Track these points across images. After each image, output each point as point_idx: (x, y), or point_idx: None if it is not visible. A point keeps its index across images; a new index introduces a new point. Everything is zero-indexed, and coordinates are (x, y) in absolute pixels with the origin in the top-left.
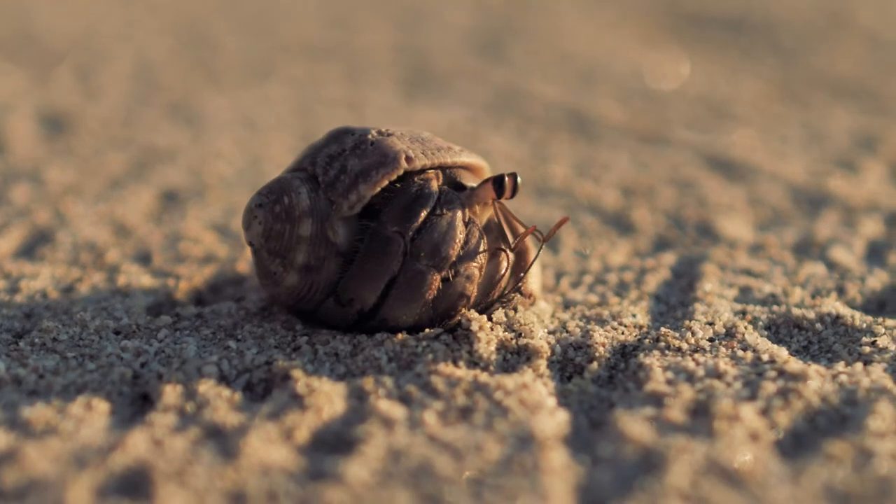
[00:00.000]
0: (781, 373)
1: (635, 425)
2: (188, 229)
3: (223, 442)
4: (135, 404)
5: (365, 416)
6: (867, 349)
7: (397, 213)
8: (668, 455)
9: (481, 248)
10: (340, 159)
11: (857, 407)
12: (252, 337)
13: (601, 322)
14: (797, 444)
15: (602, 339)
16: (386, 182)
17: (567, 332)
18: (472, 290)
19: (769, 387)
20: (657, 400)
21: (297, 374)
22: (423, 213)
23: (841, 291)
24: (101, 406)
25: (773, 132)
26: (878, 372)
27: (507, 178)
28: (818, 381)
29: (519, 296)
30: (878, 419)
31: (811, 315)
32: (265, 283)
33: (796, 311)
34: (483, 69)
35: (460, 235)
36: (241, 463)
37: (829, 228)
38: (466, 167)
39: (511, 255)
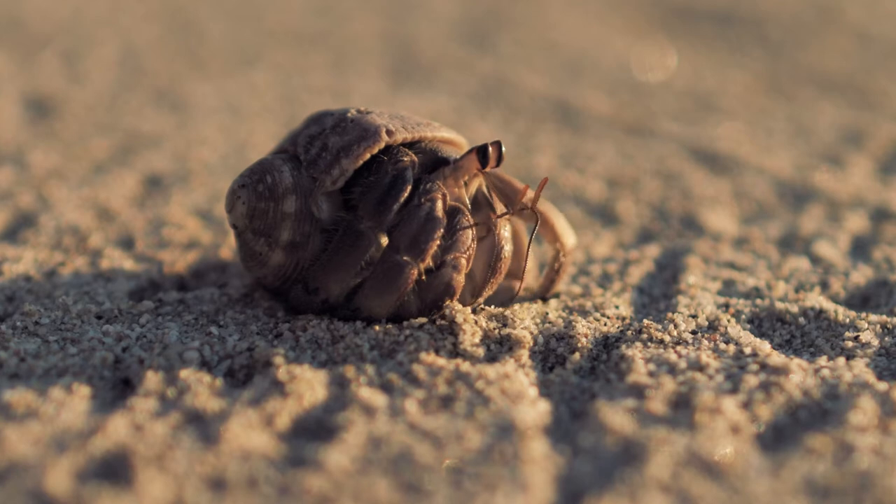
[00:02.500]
0: (763, 366)
1: (616, 416)
2: (172, 215)
3: (204, 427)
4: (116, 389)
5: (346, 403)
6: (850, 344)
7: (371, 205)
8: (649, 447)
9: (469, 238)
10: (321, 138)
11: (838, 401)
12: (234, 323)
13: (584, 313)
14: (778, 438)
15: (585, 329)
16: (368, 155)
17: (550, 322)
18: (460, 280)
19: (751, 380)
20: (639, 391)
21: (279, 360)
22: (396, 207)
23: (825, 286)
24: (83, 390)
25: (759, 126)
26: (860, 367)
27: (490, 147)
28: (800, 375)
29: (519, 282)
30: (860, 414)
31: (794, 309)
32: (250, 265)
33: (779, 305)
34: (469, 59)
35: (441, 226)
36: (221, 448)
37: (814, 223)
38: (446, 141)
39: (505, 232)
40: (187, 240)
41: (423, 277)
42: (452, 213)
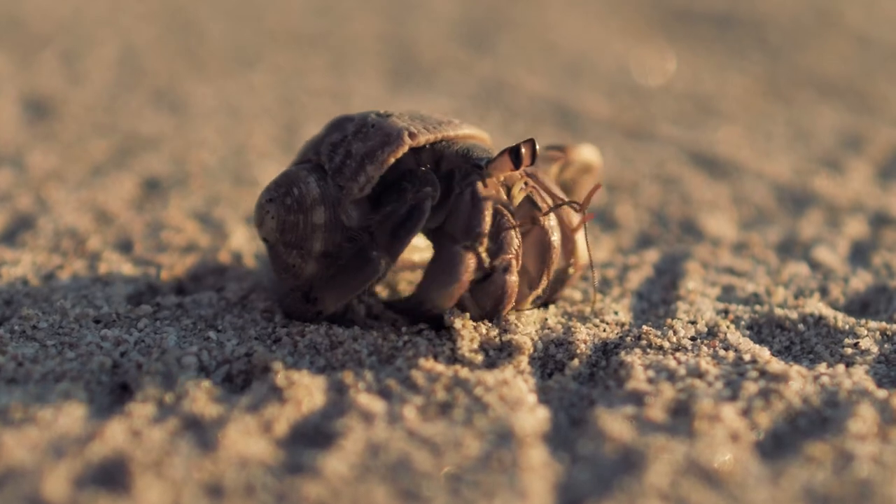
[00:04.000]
0: (763, 373)
1: (615, 424)
2: (170, 218)
3: (201, 433)
4: (114, 394)
5: (344, 409)
6: (849, 351)
7: (386, 234)
8: (648, 454)
9: (514, 237)
10: (344, 145)
11: (838, 409)
12: (232, 328)
13: (583, 319)
14: (777, 446)
15: (584, 336)
16: (392, 160)
17: (549, 328)
18: (513, 280)
19: (750, 387)
20: (638, 398)
21: (277, 366)
22: (409, 240)
23: (824, 292)
24: (80, 395)
25: (758, 130)
26: (859, 374)
27: (523, 148)
28: (800, 382)
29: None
30: (859, 421)
31: (794, 315)
32: (284, 277)
33: (779, 311)
34: (469, 60)
35: (487, 204)
36: (219, 455)
37: (814, 228)
38: (469, 137)
39: (553, 226)
40: (185, 243)
41: (486, 259)
42: (494, 214)
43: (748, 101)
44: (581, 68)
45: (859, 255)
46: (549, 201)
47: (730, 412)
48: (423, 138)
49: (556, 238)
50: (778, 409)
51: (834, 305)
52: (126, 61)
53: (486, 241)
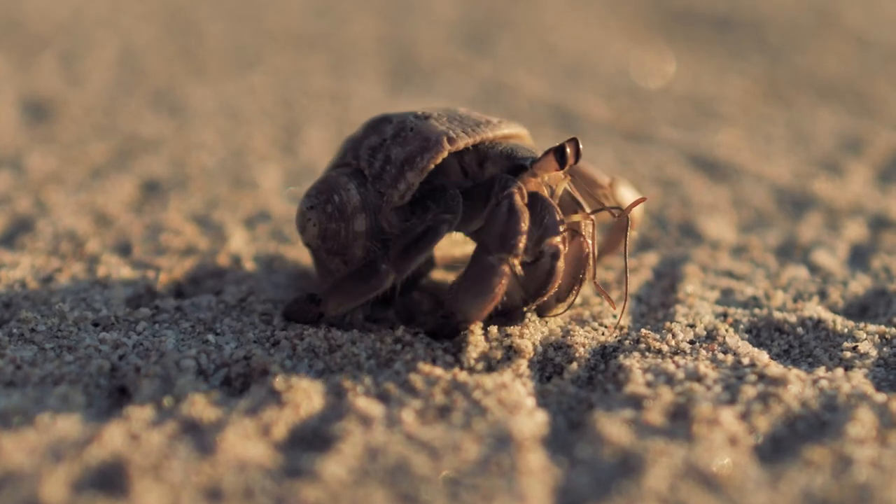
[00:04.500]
0: (762, 377)
1: (614, 427)
2: (169, 220)
3: (200, 437)
4: (112, 397)
5: (343, 413)
6: (848, 354)
7: (397, 250)
8: (647, 458)
9: (558, 219)
10: (383, 149)
11: (836, 413)
12: (231, 331)
13: (582, 322)
14: (776, 449)
15: (582, 339)
16: (432, 166)
17: (547, 331)
18: (561, 265)
19: (749, 391)
20: (636, 402)
21: (276, 369)
22: (419, 259)
23: (823, 295)
24: (78, 398)
25: (758, 132)
26: (858, 378)
27: (567, 148)
28: (798, 386)
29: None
30: (858, 425)
31: (793, 319)
32: (328, 279)
33: (778, 315)
34: (468, 62)
35: (524, 216)
36: (217, 458)
37: (813, 231)
38: (509, 137)
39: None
40: (184, 246)
41: (520, 271)
42: (534, 200)
43: (748, 104)
44: (581, 70)
45: (858, 258)
46: (588, 207)
47: (728, 416)
48: (462, 143)
49: (590, 245)
50: (777, 412)
51: (833, 309)
52: (125, 63)
53: (521, 254)
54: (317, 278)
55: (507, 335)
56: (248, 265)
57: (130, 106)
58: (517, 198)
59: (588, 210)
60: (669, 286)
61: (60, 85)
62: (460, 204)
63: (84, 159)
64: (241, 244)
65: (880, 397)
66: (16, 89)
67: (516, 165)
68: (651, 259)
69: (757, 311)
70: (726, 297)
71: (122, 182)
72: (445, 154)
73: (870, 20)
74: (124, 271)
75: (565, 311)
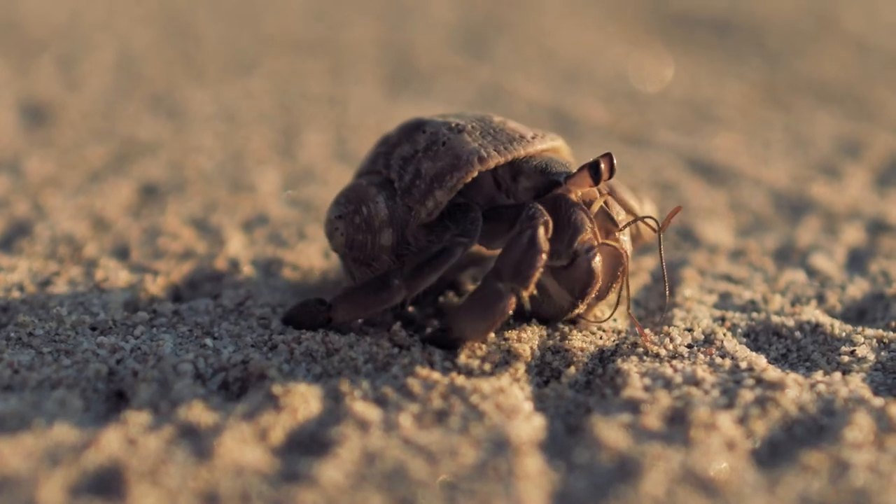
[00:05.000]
0: (759, 381)
1: (611, 432)
2: (167, 224)
3: (197, 441)
4: (109, 401)
5: (340, 417)
6: (846, 358)
7: (411, 267)
8: (644, 462)
9: (586, 217)
10: (414, 162)
11: (834, 417)
12: (229, 335)
13: (580, 326)
14: (773, 454)
15: (580, 343)
16: (461, 186)
17: (545, 335)
18: (598, 261)
19: (747, 395)
20: (634, 406)
21: (273, 373)
22: (431, 278)
23: (821, 299)
24: (76, 403)
25: (756, 136)
26: (856, 382)
27: (602, 164)
28: (796, 390)
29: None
30: (856, 430)
31: (790, 323)
32: (353, 282)
33: (776, 319)
34: (467, 66)
35: (543, 252)
36: (214, 463)
37: (811, 235)
38: (545, 152)
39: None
40: (182, 250)
41: (527, 301)
42: (558, 203)
43: (746, 108)
44: (579, 74)
45: (856, 262)
46: (624, 217)
47: (726, 420)
48: (493, 162)
49: (628, 251)
50: (774, 417)
51: (831, 313)
52: (123, 66)
53: (531, 287)
54: (344, 280)
55: (506, 339)
56: (246, 269)
57: (128, 110)
58: (541, 231)
59: (620, 223)
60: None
61: (58, 89)
62: (479, 229)
63: (82, 163)
64: (238, 248)
65: (878, 401)
66: (14, 93)
67: (550, 181)
68: (649, 263)
69: (755, 314)
70: (724, 300)
71: (120, 186)
72: (475, 173)
73: (868, 25)
74: (122, 275)
75: (611, 315)
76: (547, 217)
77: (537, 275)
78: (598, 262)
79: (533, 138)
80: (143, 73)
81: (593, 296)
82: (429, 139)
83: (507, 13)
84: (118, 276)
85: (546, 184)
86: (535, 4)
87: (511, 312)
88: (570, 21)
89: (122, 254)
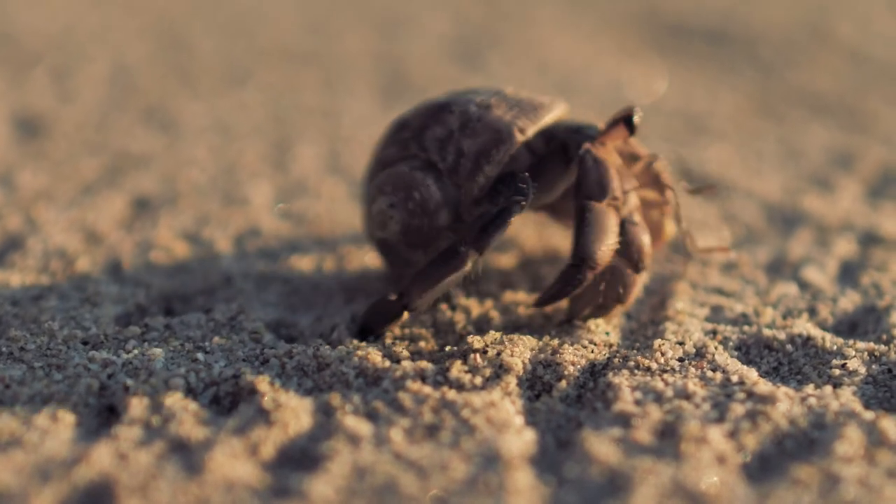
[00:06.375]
0: (750, 395)
1: (602, 446)
2: (159, 237)
3: (188, 456)
4: (101, 416)
5: (331, 432)
6: (837, 372)
7: (476, 232)
8: (635, 477)
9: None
10: (453, 142)
11: (825, 431)
12: (220, 349)
13: (571, 339)
14: (764, 468)
15: (572, 357)
16: (507, 158)
17: (537, 348)
18: (642, 225)
19: (737, 409)
20: (625, 420)
21: (264, 388)
22: (497, 237)
23: (812, 312)
24: (67, 418)
25: (749, 147)
26: (847, 395)
27: (635, 115)
28: (787, 404)
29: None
30: (846, 444)
31: (782, 336)
32: (404, 269)
33: (767, 332)
34: (461, 78)
35: (614, 172)
36: (205, 478)
37: (803, 247)
38: (564, 114)
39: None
40: (175, 263)
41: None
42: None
43: (739, 119)
44: (572, 85)
45: (848, 274)
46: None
47: (717, 434)
48: (531, 131)
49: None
50: (765, 430)
51: (822, 326)
52: (117, 79)
53: (621, 197)
54: (388, 272)
55: (498, 353)
56: (238, 283)
57: (122, 122)
58: (595, 152)
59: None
60: (659, 303)
61: (52, 101)
62: (531, 186)
63: (75, 176)
64: (231, 262)
65: (869, 415)
66: (7, 105)
67: (585, 137)
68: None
69: (746, 328)
70: (716, 314)
71: (113, 199)
72: (519, 145)
73: (862, 36)
74: (114, 289)
75: (639, 289)
76: (588, 144)
77: (618, 184)
78: (642, 227)
79: (551, 103)
80: (137, 86)
81: (649, 260)
82: (461, 118)
83: (500, 25)
84: (110, 290)
85: (580, 142)
86: (528, 16)
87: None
88: (563, 32)
89: (114, 268)
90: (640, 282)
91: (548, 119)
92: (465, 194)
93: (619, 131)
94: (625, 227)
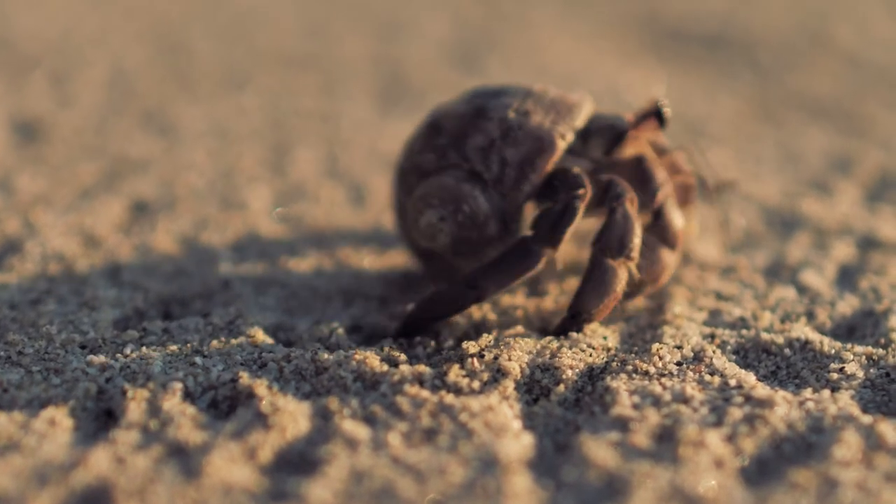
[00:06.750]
0: (748, 398)
1: (600, 450)
2: (157, 241)
3: (186, 460)
4: (99, 420)
5: (329, 436)
6: (835, 376)
7: (545, 229)
8: (632, 481)
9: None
10: (496, 151)
11: (823, 435)
12: (218, 353)
13: (570, 343)
14: (762, 472)
15: (570, 361)
16: (550, 167)
17: (535, 352)
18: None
19: (735, 413)
20: (623, 424)
21: (262, 392)
22: (568, 232)
23: (811, 316)
24: (65, 422)
25: (747, 152)
26: (845, 399)
27: (664, 109)
28: (785, 408)
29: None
30: (844, 448)
31: (780, 340)
32: (448, 276)
33: (765, 336)
34: (459, 82)
35: (637, 224)
36: (202, 482)
37: (801, 251)
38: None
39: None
40: (173, 267)
41: (635, 274)
42: (639, 162)
43: (738, 123)
44: (571, 89)
45: (846, 278)
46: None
47: (714, 438)
48: (570, 136)
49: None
50: (763, 435)
51: (820, 329)
52: (115, 83)
53: (636, 256)
54: (427, 276)
55: (495, 357)
56: (236, 287)
57: (120, 126)
58: (629, 206)
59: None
60: (657, 307)
61: (50, 105)
62: (584, 181)
63: (73, 180)
64: (229, 266)
65: (867, 419)
66: (6, 110)
67: (618, 133)
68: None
69: (744, 332)
70: (714, 318)
71: (111, 203)
72: (561, 152)
73: (861, 40)
74: (112, 293)
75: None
76: (632, 193)
77: (638, 245)
78: (678, 209)
79: (581, 101)
80: (136, 90)
81: (684, 242)
82: (501, 127)
83: (499, 29)
84: (108, 294)
85: (614, 137)
86: (527, 19)
87: (626, 285)
88: (562, 36)
89: (112, 272)
90: (675, 262)
91: (583, 118)
92: (511, 203)
93: (650, 124)
94: (662, 211)
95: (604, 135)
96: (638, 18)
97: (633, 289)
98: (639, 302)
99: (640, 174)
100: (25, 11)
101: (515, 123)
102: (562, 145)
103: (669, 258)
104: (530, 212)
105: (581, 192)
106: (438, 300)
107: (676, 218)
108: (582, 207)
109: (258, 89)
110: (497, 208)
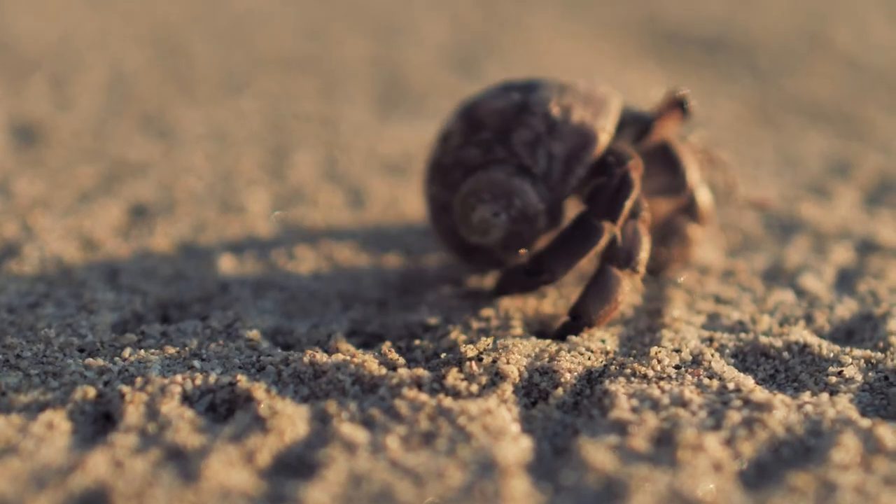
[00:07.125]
0: (747, 402)
1: (598, 453)
2: (156, 245)
3: (184, 464)
4: (97, 424)
5: (327, 439)
6: (833, 379)
7: (605, 205)
8: (631, 484)
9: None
10: (542, 146)
11: (821, 438)
12: (217, 357)
13: (568, 347)
14: (760, 475)
15: (568, 364)
16: (595, 160)
17: (533, 355)
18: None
19: (734, 416)
20: (621, 428)
21: (261, 395)
22: (628, 205)
23: (809, 319)
24: (63, 425)
25: (746, 155)
26: (843, 403)
27: (688, 100)
28: (783, 411)
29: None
30: (843, 451)
31: (778, 343)
32: (494, 268)
33: (763, 340)
34: (458, 85)
35: (647, 245)
36: (201, 486)
37: (800, 255)
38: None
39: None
40: (171, 271)
41: (640, 286)
42: (666, 149)
43: (737, 127)
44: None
45: (845, 282)
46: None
47: (713, 442)
48: (611, 129)
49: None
50: (761, 438)
51: (819, 333)
52: (115, 86)
53: (642, 272)
54: (468, 266)
55: (493, 360)
56: (235, 290)
57: (119, 130)
58: (641, 224)
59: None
60: (656, 310)
61: (49, 108)
62: (632, 152)
63: (72, 183)
64: (227, 269)
65: (865, 423)
66: (4, 112)
67: (646, 124)
68: (638, 282)
69: (743, 335)
70: (712, 321)
71: (110, 206)
72: (605, 146)
73: (860, 44)
74: (110, 296)
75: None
76: (647, 213)
77: (647, 256)
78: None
79: (608, 93)
80: (134, 93)
81: (711, 219)
82: (545, 122)
83: (498, 32)
84: (106, 297)
85: (642, 128)
86: (525, 23)
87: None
88: (560, 39)
89: (110, 275)
90: (703, 237)
91: (617, 110)
92: (559, 195)
93: (674, 115)
94: (691, 192)
95: (632, 126)
96: (637, 21)
97: (661, 265)
98: (637, 302)
99: (667, 160)
100: (25, 14)
101: (560, 118)
102: (604, 139)
103: (697, 234)
104: (571, 206)
105: (633, 163)
106: (508, 284)
107: (704, 196)
108: (638, 178)
109: (257, 92)
110: (547, 201)
